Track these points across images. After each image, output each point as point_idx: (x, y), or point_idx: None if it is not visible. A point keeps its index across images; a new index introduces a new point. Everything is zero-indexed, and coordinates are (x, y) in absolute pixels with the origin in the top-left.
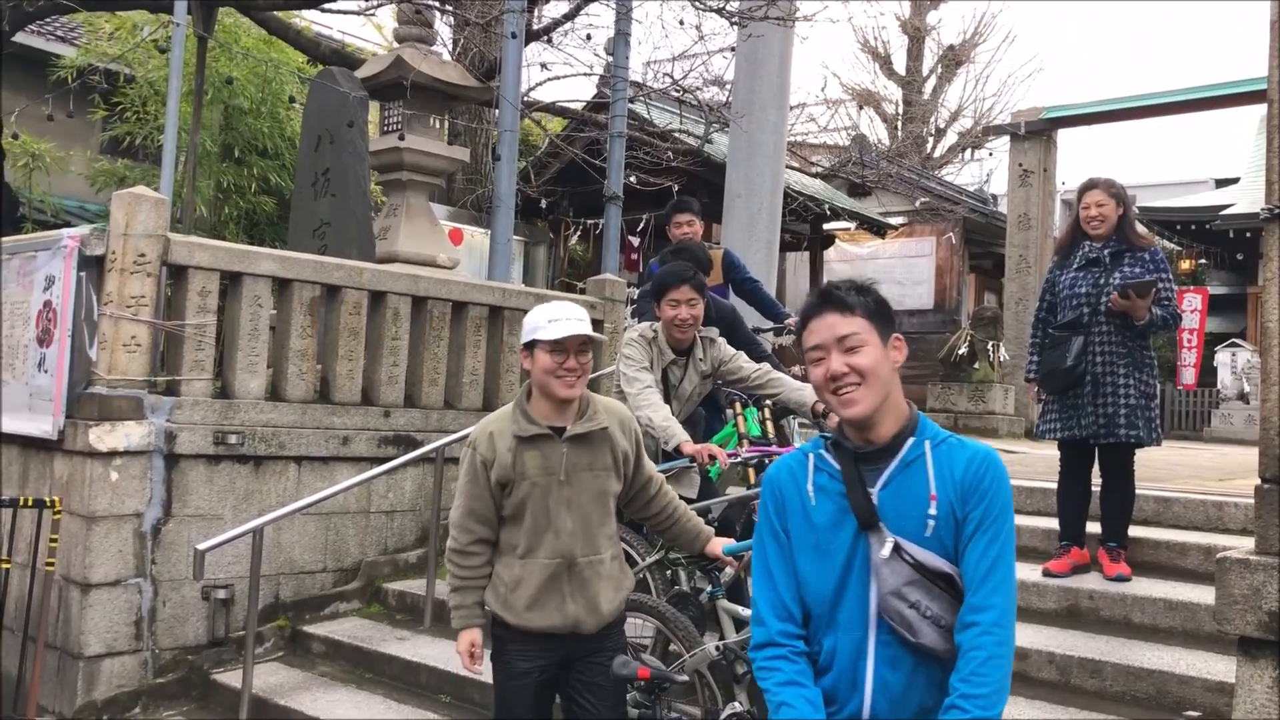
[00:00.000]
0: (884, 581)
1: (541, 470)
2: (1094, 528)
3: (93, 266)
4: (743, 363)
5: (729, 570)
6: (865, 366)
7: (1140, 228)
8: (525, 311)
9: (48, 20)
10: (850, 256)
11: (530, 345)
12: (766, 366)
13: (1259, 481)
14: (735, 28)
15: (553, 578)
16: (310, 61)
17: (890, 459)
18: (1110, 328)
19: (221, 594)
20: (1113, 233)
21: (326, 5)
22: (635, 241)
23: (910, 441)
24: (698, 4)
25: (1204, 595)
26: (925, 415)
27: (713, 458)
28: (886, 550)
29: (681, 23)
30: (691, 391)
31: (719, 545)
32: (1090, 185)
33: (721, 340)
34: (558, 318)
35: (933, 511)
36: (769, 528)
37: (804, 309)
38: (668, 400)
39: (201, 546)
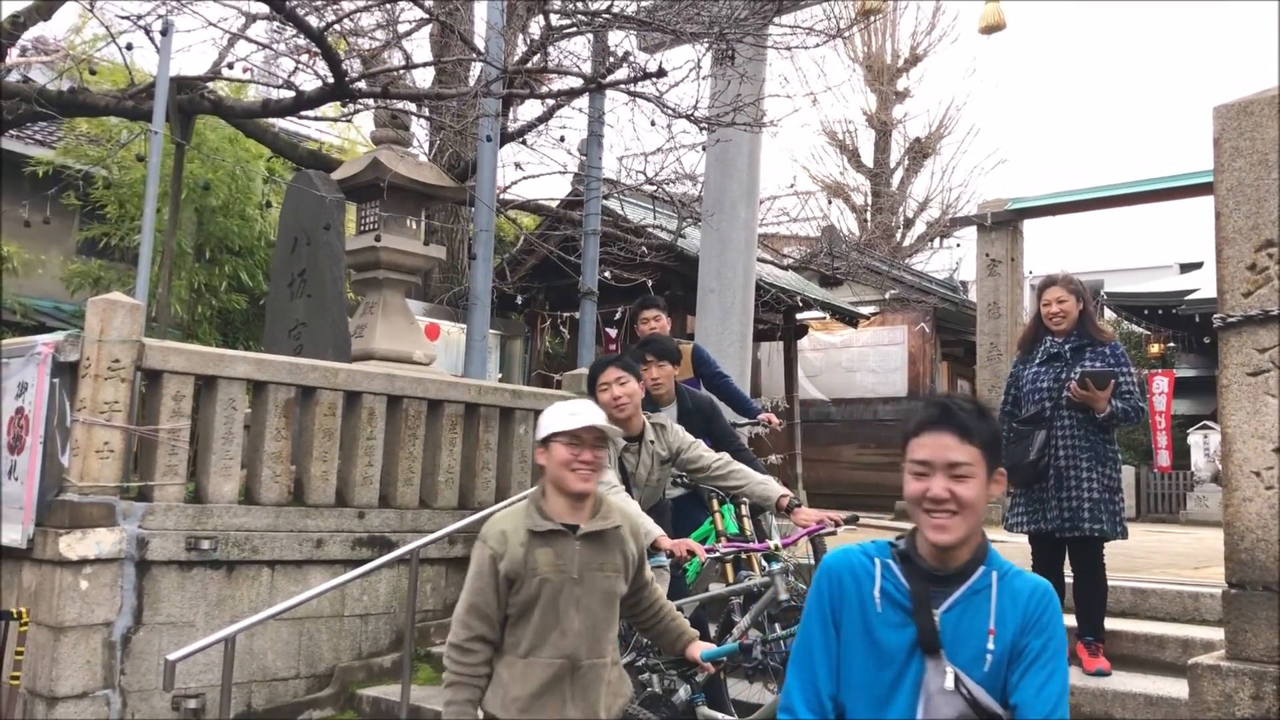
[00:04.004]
0: (935, 709)
1: (553, 567)
2: (1070, 620)
3: (66, 373)
4: (702, 451)
5: (702, 674)
6: (968, 499)
7: (1104, 322)
8: (500, 408)
9: (27, 125)
10: (823, 346)
11: (547, 440)
12: (727, 457)
13: (1226, 586)
14: (705, 131)
15: (555, 679)
16: (274, 156)
17: (959, 585)
18: (1072, 421)
19: (192, 704)
20: (1074, 328)
21: (303, 113)
22: (613, 333)
23: (980, 570)
24: (666, 110)
25: (1184, 690)
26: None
27: (691, 553)
28: (949, 682)
29: (653, 123)
30: (649, 478)
31: (698, 649)
32: (1050, 282)
33: (678, 426)
34: (576, 412)
35: (990, 647)
36: (819, 616)
37: (920, 418)
38: (627, 489)
39: (172, 657)
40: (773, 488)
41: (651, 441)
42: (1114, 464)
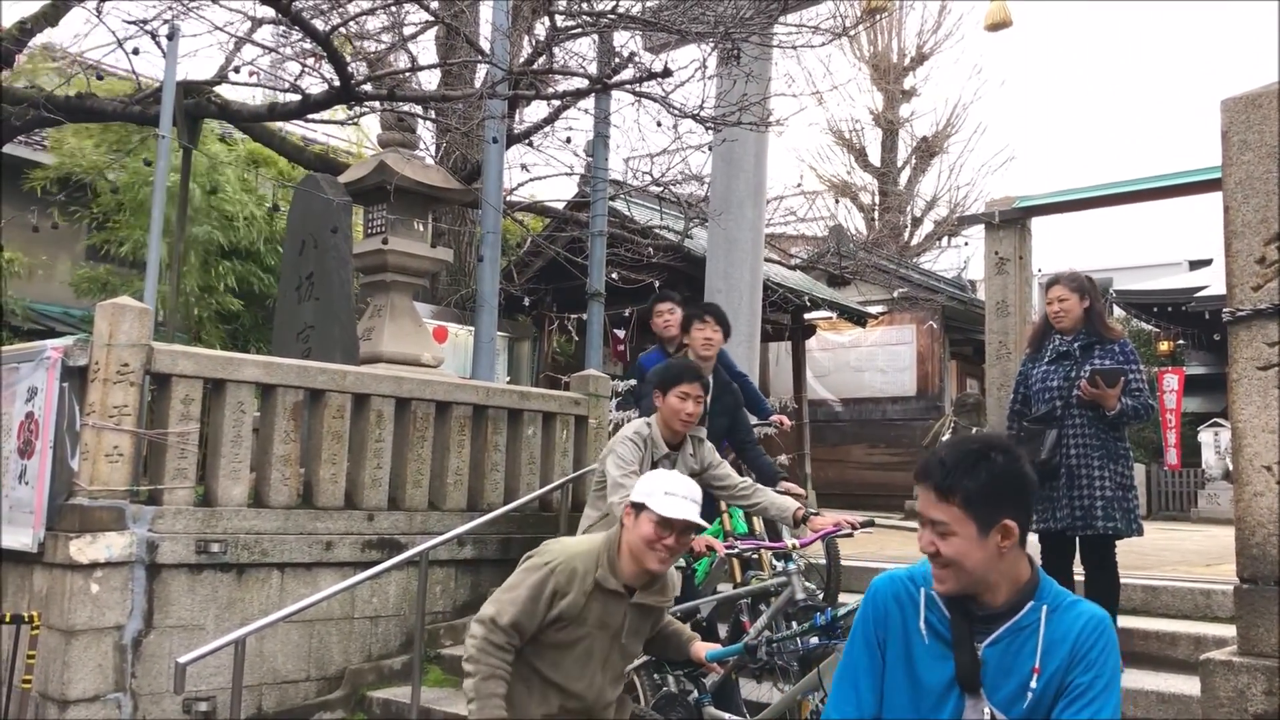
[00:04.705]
0: None
1: (601, 624)
2: None
3: (75, 377)
4: (728, 470)
5: (713, 675)
6: (949, 556)
7: (1113, 319)
8: (509, 410)
9: (34, 130)
10: (832, 345)
11: (639, 507)
12: (749, 480)
13: (1238, 582)
14: (711, 131)
15: (567, 714)
16: (294, 166)
17: (1004, 621)
18: (1083, 420)
19: (203, 706)
20: (1080, 325)
21: (310, 116)
22: (620, 334)
23: (1028, 606)
24: (673, 111)
25: (1196, 687)
26: (1045, 576)
27: (710, 548)
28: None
29: (659, 124)
30: None
31: (703, 650)
32: (1054, 280)
33: (709, 444)
34: (675, 493)
35: (1033, 685)
36: (864, 639)
37: (916, 470)
38: None
39: (182, 660)
40: (788, 503)
41: (691, 455)
42: (1126, 461)
